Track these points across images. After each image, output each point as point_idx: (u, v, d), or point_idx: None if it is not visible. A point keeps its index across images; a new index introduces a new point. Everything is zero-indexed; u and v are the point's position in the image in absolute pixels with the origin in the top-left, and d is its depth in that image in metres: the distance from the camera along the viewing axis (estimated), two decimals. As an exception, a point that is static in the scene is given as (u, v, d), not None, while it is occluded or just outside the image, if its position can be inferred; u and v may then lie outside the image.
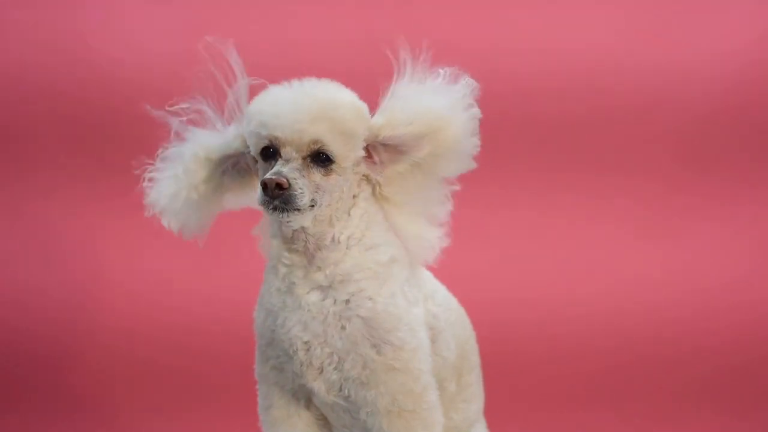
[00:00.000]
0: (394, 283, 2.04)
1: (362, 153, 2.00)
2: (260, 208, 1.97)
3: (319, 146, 1.93)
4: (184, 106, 2.10)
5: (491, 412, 2.41)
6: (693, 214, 3.62)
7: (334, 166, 1.96)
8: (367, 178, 2.04)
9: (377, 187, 2.05)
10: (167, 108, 2.11)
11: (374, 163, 2.03)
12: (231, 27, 3.42)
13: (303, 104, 1.92)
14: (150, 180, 2.13)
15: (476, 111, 2.04)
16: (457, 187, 2.10)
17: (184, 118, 2.11)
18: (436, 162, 2.02)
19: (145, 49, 3.61)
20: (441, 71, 2.03)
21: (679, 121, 3.60)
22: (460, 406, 2.24)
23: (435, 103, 2.00)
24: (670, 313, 3.55)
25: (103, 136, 3.60)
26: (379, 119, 2.01)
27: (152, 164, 2.14)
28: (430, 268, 2.23)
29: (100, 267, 3.63)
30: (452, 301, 2.27)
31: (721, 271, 3.60)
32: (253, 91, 2.06)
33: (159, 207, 2.12)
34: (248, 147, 2.03)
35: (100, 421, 3.38)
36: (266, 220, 2.11)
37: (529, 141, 3.61)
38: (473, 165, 2.07)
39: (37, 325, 3.60)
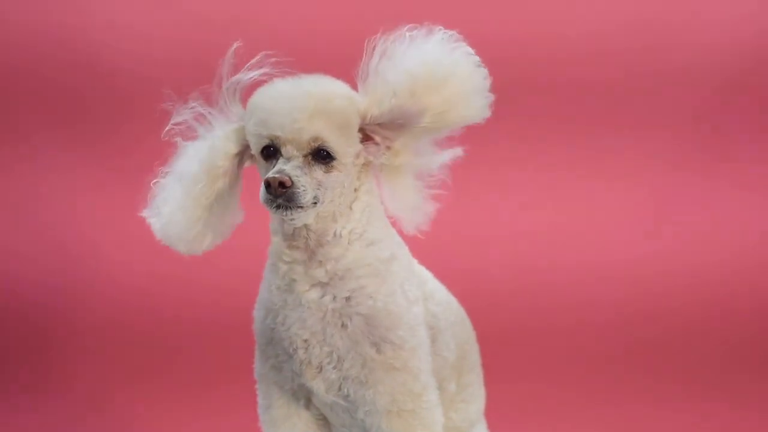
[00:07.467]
0: (393, 281, 2.03)
1: (359, 146, 1.97)
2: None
3: (319, 143, 1.91)
4: (180, 118, 2.05)
5: (492, 411, 2.41)
6: (715, 177, 3.59)
7: (335, 163, 1.94)
8: (366, 168, 2.01)
9: (384, 163, 1.99)
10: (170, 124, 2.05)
11: (377, 143, 1.99)
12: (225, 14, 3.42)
13: (300, 101, 1.90)
14: (151, 206, 2.05)
15: (466, 49, 1.95)
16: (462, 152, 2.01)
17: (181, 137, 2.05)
18: (445, 118, 1.94)
19: (126, 23, 3.59)
20: (408, 32, 1.95)
21: (703, 84, 3.55)
22: (459, 407, 2.24)
23: (411, 63, 1.93)
24: (690, 279, 3.53)
25: (86, 105, 3.58)
26: (361, 102, 1.97)
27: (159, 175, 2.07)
28: (433, 263, 2.21)
29: (91, 236, 3.62)
30: (452, 301, 2.26)
31: (744, 235, 3.58)
32: (253, 87, 2.02)
33: (166, 235, 2.03)
34: (238, 146, 2.01)
35: (89, 396, 3.39)
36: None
37: (546, 103, 3.57)
38: (487, 108, 1.95)
39: (23, 291, 3.60)
